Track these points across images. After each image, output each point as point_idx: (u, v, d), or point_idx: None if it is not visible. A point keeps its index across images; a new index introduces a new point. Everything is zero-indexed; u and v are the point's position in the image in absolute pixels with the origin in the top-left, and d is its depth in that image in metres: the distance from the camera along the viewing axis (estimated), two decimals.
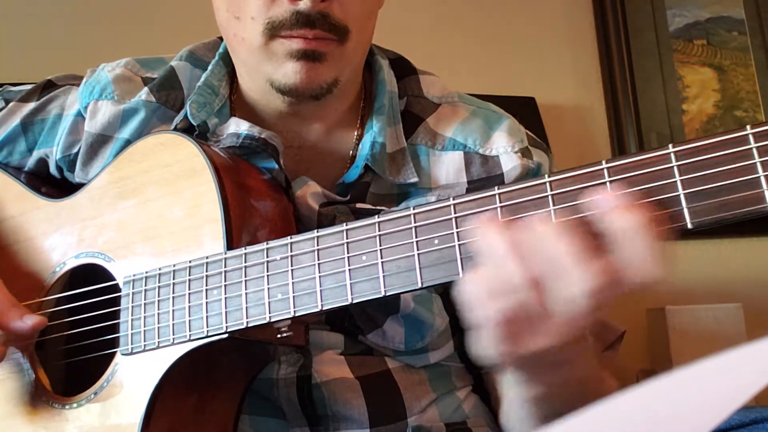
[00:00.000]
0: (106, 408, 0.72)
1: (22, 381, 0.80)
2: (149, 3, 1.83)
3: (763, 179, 0.45)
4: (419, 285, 0.56)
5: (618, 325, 1.57)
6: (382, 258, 0.57)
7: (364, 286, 0.58)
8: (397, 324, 0.78)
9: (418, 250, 0.56)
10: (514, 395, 0.67)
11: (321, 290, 0.60)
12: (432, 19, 2.03)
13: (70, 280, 0.81)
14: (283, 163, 0.79)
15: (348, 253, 0.59)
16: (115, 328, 0.74)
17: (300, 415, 0.78)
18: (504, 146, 0.84)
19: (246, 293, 0.64)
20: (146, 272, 0.72)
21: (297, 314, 0.61)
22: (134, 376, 0.71)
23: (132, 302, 0.72)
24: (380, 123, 0.82)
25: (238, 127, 0.80)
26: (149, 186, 0.76)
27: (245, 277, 0.65)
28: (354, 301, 0.59)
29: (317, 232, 0.61)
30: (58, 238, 0.82)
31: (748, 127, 0.46)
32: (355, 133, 0.86)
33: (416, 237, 0.57)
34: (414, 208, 0.57)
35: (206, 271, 0.67)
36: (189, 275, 0.68)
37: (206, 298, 0.67)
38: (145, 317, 0.70)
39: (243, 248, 0.66)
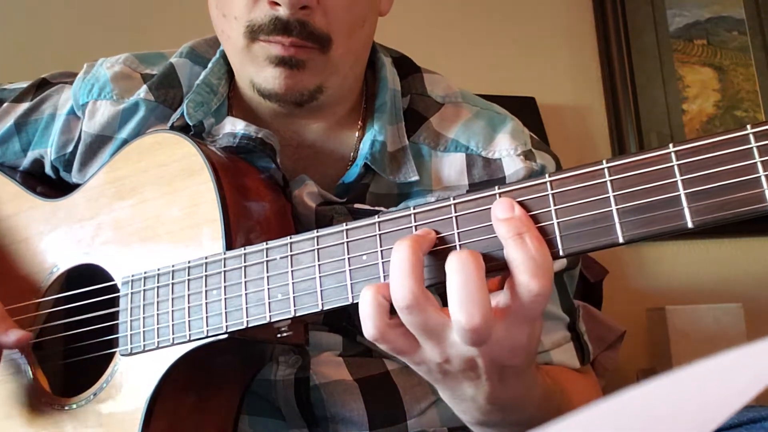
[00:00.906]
0: (106, 408, 0.72)
1: (20, 382, 0.80)
2: (149, 3, 1.83)
3: (763, 179, 0.44)
4: None
5: (618, 324, 1.57)
6: (382, 258, 0.57)
7: (365, 286, 0.58)
8: None
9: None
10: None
11: (321, 290, 0.60)
12: (432, 19, 2.03)
13: (68, 281, 0.81)
14: (280, 162, 0.79)
15: (348, 253, 0.59)
16: (113, 329, 0.74)
17: (298, 416, 0.78)
18: (507, 149, 0.83)
19: (246, 293, 0.64)
20: (145, 273, 0.72)
21: (297, 314, 0.61)
22: (134, 377, 0.71)
23: (131, 303, 0.71)
24: (381, 121, 0.81)
25: (234, 126, 0.80)
26: (146, 186, 0.75)
27: (245, 277, 0.64)
28: (355, 301, 0.58)
29: (317, 232, 0.61)
30: (55, 238, 0.82)
31: (748, 126, 0.46)
32: (357, 133, 0.86)
33: None
34: (414, 208, 0.57)
35: (205, 272, 0.67)
36: (188, 275, 0.68)
37: (206, 299, 0.66)
38: (144, 318, 0.70)
39: (242, 248, 0.66)
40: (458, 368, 0.55)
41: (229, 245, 0.67)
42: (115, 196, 0.78)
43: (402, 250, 0.52)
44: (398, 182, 0.82)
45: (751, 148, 0.45)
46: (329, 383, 0.77)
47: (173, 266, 0.70)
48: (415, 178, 0.81)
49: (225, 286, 0.65)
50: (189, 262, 0.68)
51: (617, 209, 0.49)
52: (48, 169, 0.91)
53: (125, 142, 0.84)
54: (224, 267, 0.66)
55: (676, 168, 0.48)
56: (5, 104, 0.92)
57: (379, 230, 0.58)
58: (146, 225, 0.74)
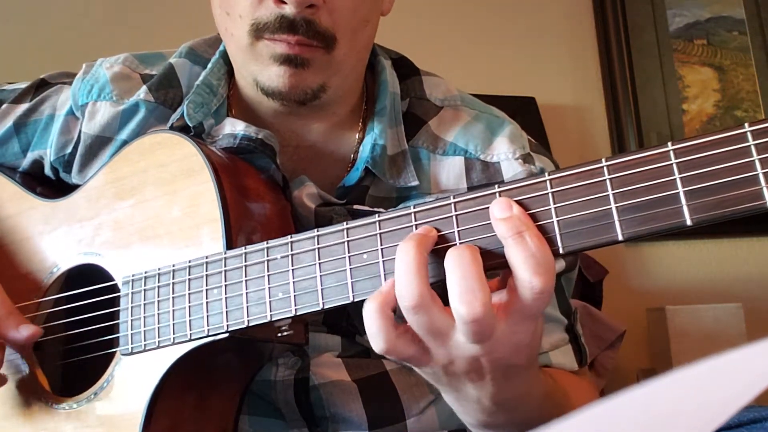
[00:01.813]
0: (107, 408, 0.72)
1: (20, 382, 0.80)
2: (149, 3, 1.83)
3: (761, 176, 0.45)
4: None
5: (618, 324, 1.57)
6: (383, 257, 0.57)
7: (365, 285, 0.58)
8: None
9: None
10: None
11: (322, 289, 0.60)
12: (432, 19, 2.03)
13: (68, 281, 0.81)
14: (280, 162, 0.79)
15: (349, 251, 0.59)
16: (114, 329, 0.74)
17: (298, 416, 0.78)
18: (505, 152, 0.83)
19: (246, 292, 0.64)
20: (145, 272, 0.72)
21: (298, 313, 0.61)
22: (134, 376, 0.71)
23: (131, 302, 0.72)
24: (381, 125, 0.81)
25: (234, 127, 0.80)
26: (147, 186, 0.75)
27: (245, 276, 0.65)
28: (355, 300, 0.58)
29: (317, 231, 0.61)
30: (55, 238, 0.82)
31: (746, 124, 0.46)
32: (357, 135, 0.86)
33: None
34: (414, 207, 0.57)
35: (206, 271, 0.67)
36: (189, 275, 0.68)
37: (206, 298, 0.66)
38: (144, 317, 0.70)
39: (243, 248, 0.66)
40: (463, 370, 0.55)
41: (230, 245, 0.67)
42: (116, 197, 0.78)
43: (408, 251, 0.52)
44: (398, 186, 0.82)
45: (749, 146, 0.45)
46: (328, 384, 0.78)
47: (174, 266, 0.70)
48: (415, 183, 0.81)
49: (225, 285, 0.65)
50: (189, 261, 0.69)
51: (616, 207, 0.50)
52: (48, 170, 0.91)
53: (125, 143, 0.84)
54: (225, 266, 0.66)
55: (674, 166, 0.48)
56: (4, 105, 0.92)
57: (380, 229, 0.58)
58: (146, 225, 0.74)
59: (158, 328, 0.69)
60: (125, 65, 0.88)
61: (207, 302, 0.66)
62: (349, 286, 0.58)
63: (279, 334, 0.67)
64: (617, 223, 0.50)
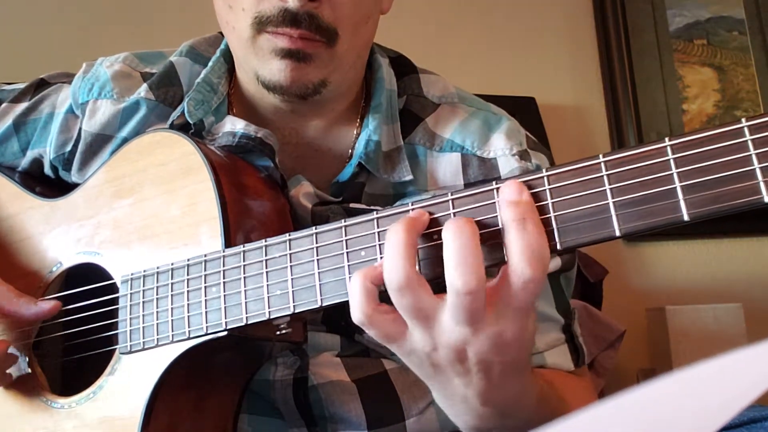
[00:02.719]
0: (106, 406, 0.72)
1: (20, 380, 0.80)
2: (149, 3, 1.83)
3: (758, 171, 0.45)
4: None
5: (618, 324, 1.57)
6: (380, 254, 0.57)
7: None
8: None
9: (417, 245, 0.56)
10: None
11: (320, 285, 0.60)
12: (432, 19, 2.03)
13: (67, 280, 0.81)
14: (279, 161, 0.79)
15: (347, 249, 0.59)
16: (113, 327, 0.74)
17: (297, 416, 0.78)
18: (502, 149, 0.83)
19: (245, 290, 0.64)
20: (144, 271, 0.72)
21: (296, 310, 0.61)
22: (133, 375, 0.71)
23: (130, 301, 0.72)
24: (376, 121, 0.81)
25: (233, 126, 0.80)
26: (145, 184, 0.76)
27: (244, 274, 0.65)
28: None
29: (315, 228, 0.61)
30: (55, 237, 0.82)
31: (742, 120, 0.46)
32: (355, 131, 0.86)
33: None
34: (412, 204, 0.57)
35: (205, 270, 0.67)
36: (187, 274, 0.68)
37: (205, 296, 0.66)
38: (143, 315, 0.70)
39: (241, 246, 0.66)
40: (447, 359, 0.54)
41: (228, 243, 0.68)
42: (115, 195, 0.78)
43: (397, 232, 0.52)
44: (393, 182, 0.82)
45: (746, 141, 0.46)
46: (327, 383, 0.78)
47: (172, 264, 0.70)
48: (409, 177, 0.81)
49: (224, 283, 0.66)
50: (188, 260, 0.69)
51: (614, 202, 0.50)
52: (47, 169, 0.91)
53: (126, 141, 0.84)
54: (223, 265, 0.66)
55: (672, 161, 0.48)
56: (4, 104, 0.92)
57: (377, 227, 0.58)
58: (145, 224, 0.74)
59: (157, 325, 0.69)
60: (126, 64, 0.89)
61: (205, 300, 0.66)
62: (347, 283, 0.59)
63: (277, 332, 0.67)
64: (615, 219, 0.49)
